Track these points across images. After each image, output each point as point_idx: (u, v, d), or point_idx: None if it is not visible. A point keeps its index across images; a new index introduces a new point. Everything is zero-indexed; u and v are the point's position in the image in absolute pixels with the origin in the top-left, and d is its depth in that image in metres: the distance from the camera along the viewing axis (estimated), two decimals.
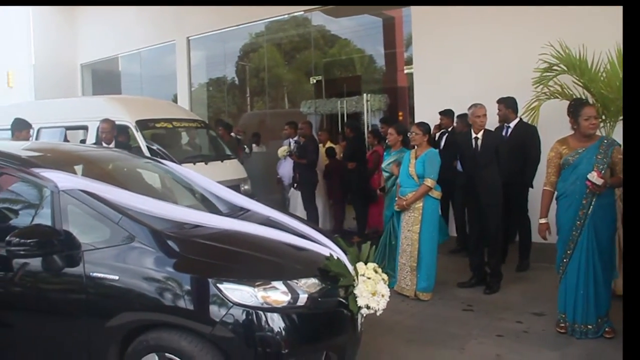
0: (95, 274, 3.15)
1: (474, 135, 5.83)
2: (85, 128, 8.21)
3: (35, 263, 3.28)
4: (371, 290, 3.40)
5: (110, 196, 3.36)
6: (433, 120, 7.59)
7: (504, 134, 6.52)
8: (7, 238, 3.16)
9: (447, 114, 7.74)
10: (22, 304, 3.43)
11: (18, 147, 4.25)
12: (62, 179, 3.40)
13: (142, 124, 7.83)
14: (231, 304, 2.94)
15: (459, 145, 6.26)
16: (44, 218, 3.39)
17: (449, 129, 7.66)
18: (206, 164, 7.82)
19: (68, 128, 8.29)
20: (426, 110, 8.50)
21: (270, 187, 9.99)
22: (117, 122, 7.41)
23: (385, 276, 3.56)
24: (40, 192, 3.51)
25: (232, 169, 8.31)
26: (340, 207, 9.20)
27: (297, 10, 11.86)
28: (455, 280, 6.19)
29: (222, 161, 8.35)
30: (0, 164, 3.70)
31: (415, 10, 9.28)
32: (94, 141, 7.38)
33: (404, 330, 4.97)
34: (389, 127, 6.94)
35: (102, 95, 13.70)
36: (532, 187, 6.42)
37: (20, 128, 6.51)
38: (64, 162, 3.86)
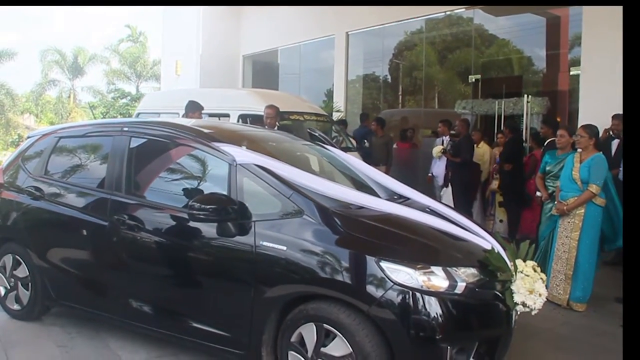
0: (264, 243, 3.37)
1: None
2: (227, 116, 8.81)
3: (211, 229, 3.57)
4: (529, 288, 3.34)
5: (282, 172, 3.58)
6: (599, 125, 7.18)
7: None
8: (190, 202, 3.51)
9: (620, 117, 7.27)
10: (197, 265, 3.75)
11: (192, 124, 4.58)
12: (239, 154, 3.69)
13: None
14: (391, 284, 3.02)
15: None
16: (221, 188, 3.68)
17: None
18: None
19: (211, 115, 8.83)
20: (592, 113, 8.05)
21: (415, 183, 9.97)
22: (255, 113, 8.15)
23: (543, 276, 3.50)
24: (219, 164, 3.78)
25: None
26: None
27: (458, 8, 11.72)
28: (614, 295, 5.81)
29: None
30: (182, 136, 4.08)
31: (587, 8, 8.82)
32: None
33: (554, 337, 4.81)
34: (551, 128, 6.66)
35: (253, 87, 14.60)
36: None
37: (194, 109, 7.06)
38: (233, 138, 4.09)
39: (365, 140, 10.15)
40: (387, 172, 8.83)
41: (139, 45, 37.54)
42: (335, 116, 12.50)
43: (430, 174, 9.85)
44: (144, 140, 4.32)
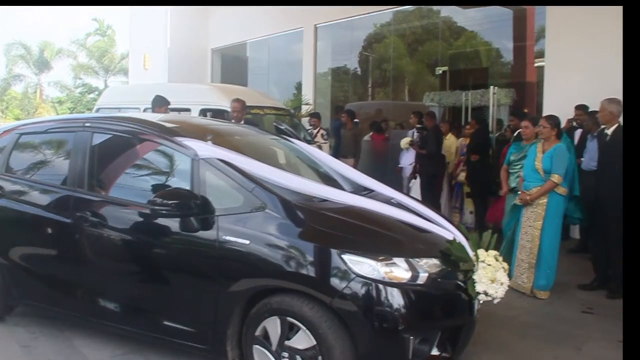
0: (227, 238, 3.36)
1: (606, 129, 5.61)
2: (188, 110, 8.82)
3: (174, 224, 3.53)
4: (490, 277, 3.39)
5: (245, 166, 3.57)
6: (562, 115, 7.30)
7: None
8: (152, 198, 3.48)
9: (583, 108, 7.43)
10: (160, 260, 3.73)
11: (156, 119, 4.55)
12: (201, 148, 3.66)
13: None
14: (354, 276, 3.04)
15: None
16: (184, 183, 3.64)
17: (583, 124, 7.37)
18: None
19: (172, 109, 8.87)
20: (556, 104, 8.17)
21: (389, 174, 10.05)
22: (215, 107, 8.38)
23: (505, 265, 3.54)
24: (181, 158, 3.77)
25: None
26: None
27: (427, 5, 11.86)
28: (576, 282, 5.97)
29: None
30: (144, 131, 4.05)
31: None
32: None
33: (518, 325, 4.89)
34: (519, 119, 6.75)
35: (222, 80, 14.55)
36: None
37: (160, 104, 7.02)
38: (197, 133, 4.05)
39: (324, 133, 10.27)
40: (355, 165, 8.95)
41: (106, 38, 36.98)
42: (304, 109, 12.52)
43: (399, 166, 9.92)
44: (106, 135, 4.27)
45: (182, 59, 15.75)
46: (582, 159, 6.69)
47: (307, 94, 13.48)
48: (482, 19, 12.88)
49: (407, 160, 9.64)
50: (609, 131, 5.54)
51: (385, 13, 13.04)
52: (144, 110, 7.29)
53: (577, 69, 8.28)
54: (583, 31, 8.27)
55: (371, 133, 11.31)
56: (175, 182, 3.78)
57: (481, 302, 3.46)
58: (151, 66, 16.33)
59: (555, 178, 5.43)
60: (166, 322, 3.65)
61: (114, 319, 3.93)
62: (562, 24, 8.71)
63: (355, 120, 11.03)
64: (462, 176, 8.84)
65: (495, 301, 3.44)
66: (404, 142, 9.49)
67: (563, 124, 7.01)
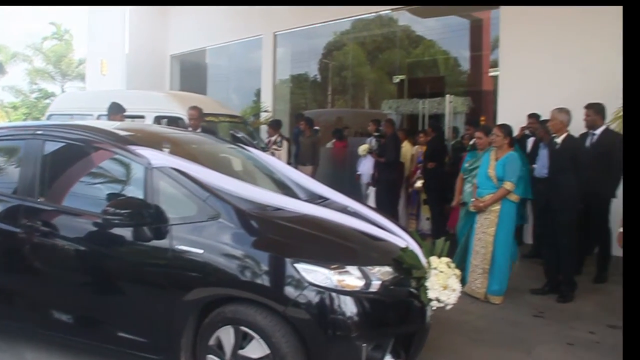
0: (181, 247, 3.34)
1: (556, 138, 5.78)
2: (142, 117, 8.77)
3: (127, 233, 3.50)
4: (442, 284, 3.44)
5: (198, 175, 3.56)
6: (516, 124, 7.48)
7: (589, 141, 6.36)
8: (104, 207, 3.43)
9: (535, 116, 7.62)
10: (112, 270, 3.69)
11: (110, 127, 4.48)
12: (154, 157, 3.63)
13: None
14: (306, 284, 3.06)
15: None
16: (137, 192, 3.62)
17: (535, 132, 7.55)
18: None
19: (126, 117, 8.82)
20: (509, 113, 8.38)
21: (348, 182, 10.12)
22: (170, 114, 8.44)
23: (457, 272, 3.59)
24: (134, 167, 3.74)
25: None
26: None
27: (385, 9, 11.91)
28: (528, 286, 6.10)
29: None
30: (97, 139, 3.99)
31: (504, 11, 9.16)
32: None
33: (471, 330, 4.96)
34: (475, 129, 6.90)
35: (181, 87, 14.46)
36: (615, 197, 6.23)
37: (116, 112, 6.94)
38: (152, 141, 4.01)
39: (279, 140, 10.34)
40: (313, 172, 8.99)
41: (64, 43, 36.21)
42: (263, 116, 12.51)
43: (357, 173, 10.00)
44: (58, 143, 4.17)
45: (140, 65, 15.52)
46: (535, 166, 6.86)
47: (266, 101, 13.48)
48: (440, 29, 13.11)
49: (365, 166, 9.71)
50: (559, 140, 5.72)
51: (344, 21, 13.12)
52: (98, 118, 7.16)
53: (530, 78, 8.48)
54: (536, 41, 8.48)
55: (333, 140, 11.38)
56: (128, 191, 3.74)
57: (434, 308, 3.50)
58: (109, 72, 16.04)
59: (508, 185, 5.55)
60: (120, 333, 3.61)
61: (67, 330, 3.86)
62: (515, 33, 8.92)
63: (315, 127, 11.08)
64: (418, 183, 8.94)
65: (448, 307, 3.48)
66: (362, 148, 9.58)
67: (516, 132, 7.19)
